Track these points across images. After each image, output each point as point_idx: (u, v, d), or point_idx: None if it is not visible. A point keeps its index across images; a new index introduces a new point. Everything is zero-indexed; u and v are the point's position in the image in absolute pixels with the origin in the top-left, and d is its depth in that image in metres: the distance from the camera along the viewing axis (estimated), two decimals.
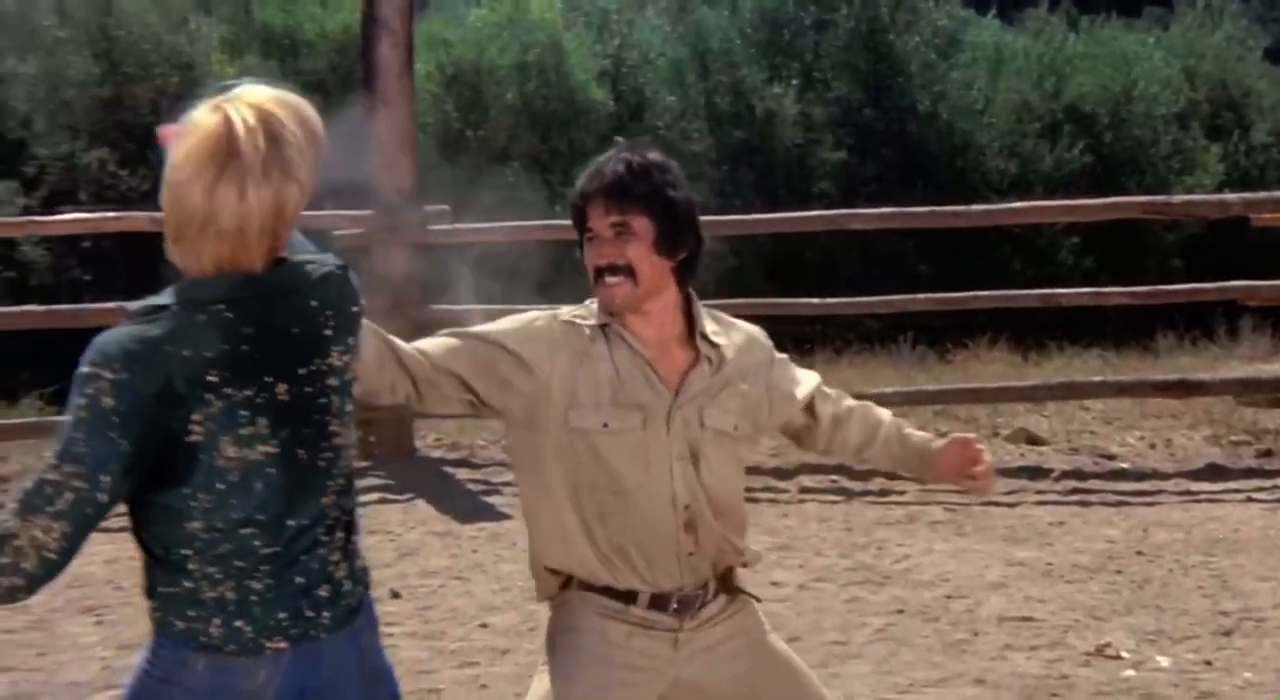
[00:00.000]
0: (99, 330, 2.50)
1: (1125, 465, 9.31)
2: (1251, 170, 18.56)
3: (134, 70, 15.29)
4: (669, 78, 17.26)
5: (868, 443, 3.56)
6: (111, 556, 7.43)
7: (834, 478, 9.00)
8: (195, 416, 2.44)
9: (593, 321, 3.29)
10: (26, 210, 13.67)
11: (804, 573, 7.12)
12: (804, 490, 8.79)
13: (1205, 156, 18.01)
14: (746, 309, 11.48)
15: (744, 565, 3.45)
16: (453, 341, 3.28)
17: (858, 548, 7.58)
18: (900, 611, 6.53)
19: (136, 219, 9.57)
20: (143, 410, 2.42)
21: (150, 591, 2.63)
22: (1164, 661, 5.82)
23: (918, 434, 3.60)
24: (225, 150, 2.45)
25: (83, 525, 2.46)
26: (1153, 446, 9.68)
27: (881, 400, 9.66)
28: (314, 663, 2.64)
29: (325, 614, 2.64)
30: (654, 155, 3.29)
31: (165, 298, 2.50)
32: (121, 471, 2.44)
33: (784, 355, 3.54)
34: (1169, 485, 8.85)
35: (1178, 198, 12.70)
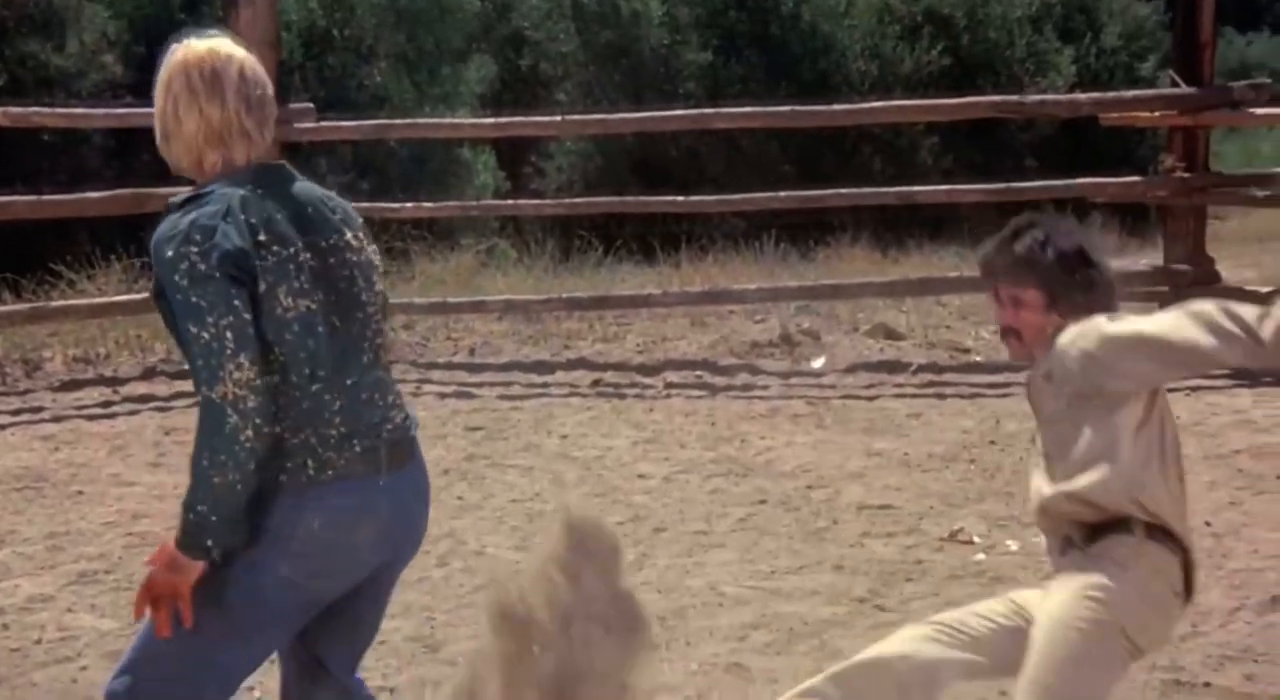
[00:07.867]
0: None
1: (979, 358, 9.56)
2: (1102, 72, 18.91)
3: None
4: None
5: None
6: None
7: (699, 373, 9.15)
8: (259, 263, 2.84)
9: None
10: None
11: (669, 465, 7.27)
12: (670, 385, 8.94)
13: (1058, 59, 18.32)
14: (613, 207, 11.65)
15: None
16: None
17: (721, 441, 7.74)
18: (762, 501, 6.69)
19: None
20: (230, 259, 2.80)
21: (270, 474, 2.89)
22: (1013, 545, 6.02)
23: None
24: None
25: (254, 346, 2.80)
26: None
27: (745, 296, 10.03)
28: (403, 486, 3.04)
29: (398, 449, 3.05)
30: (1046, 231, 3.74)
31: (203, 189, 2.92)
32: (245, 301, 2.81)
33: None
34: (1020, 378, 9.03)
35: (1031, 97, 12.97)
